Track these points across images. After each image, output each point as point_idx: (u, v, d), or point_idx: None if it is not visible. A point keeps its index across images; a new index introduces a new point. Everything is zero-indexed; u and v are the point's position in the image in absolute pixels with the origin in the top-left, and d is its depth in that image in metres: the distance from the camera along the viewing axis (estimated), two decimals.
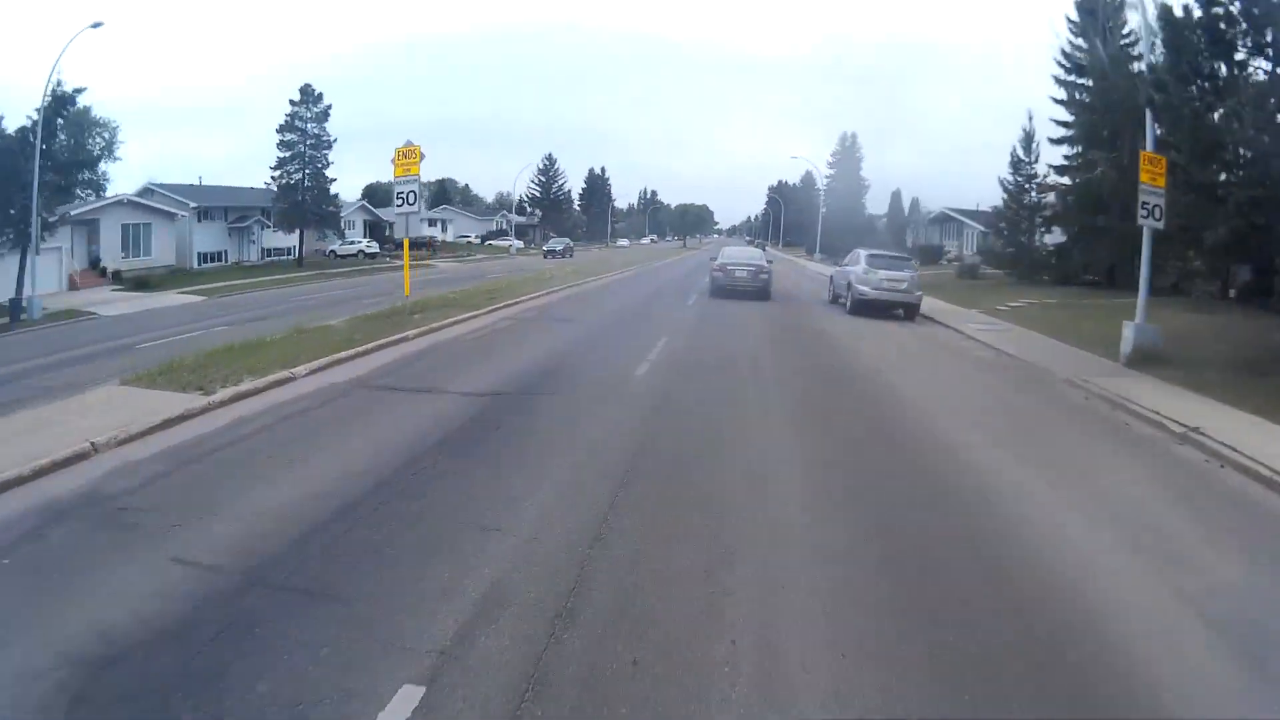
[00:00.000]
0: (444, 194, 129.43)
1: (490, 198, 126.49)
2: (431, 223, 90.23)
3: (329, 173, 58.86)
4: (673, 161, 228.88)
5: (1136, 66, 27.02)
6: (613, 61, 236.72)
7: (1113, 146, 26.04)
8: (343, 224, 73.62)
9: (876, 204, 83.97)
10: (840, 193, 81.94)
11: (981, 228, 49.73)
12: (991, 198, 53.39)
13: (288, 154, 57.24)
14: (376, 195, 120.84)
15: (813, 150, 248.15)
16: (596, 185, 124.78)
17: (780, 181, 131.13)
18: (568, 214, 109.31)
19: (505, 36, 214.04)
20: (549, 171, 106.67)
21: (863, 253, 21.32)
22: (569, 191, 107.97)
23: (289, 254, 61.47)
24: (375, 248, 66.08)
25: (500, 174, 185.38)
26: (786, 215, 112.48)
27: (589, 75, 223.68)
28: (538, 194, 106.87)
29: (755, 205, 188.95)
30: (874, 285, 19.74)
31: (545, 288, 24.05)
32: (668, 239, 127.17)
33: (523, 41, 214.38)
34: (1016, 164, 31.93)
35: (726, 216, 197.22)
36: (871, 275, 19.93)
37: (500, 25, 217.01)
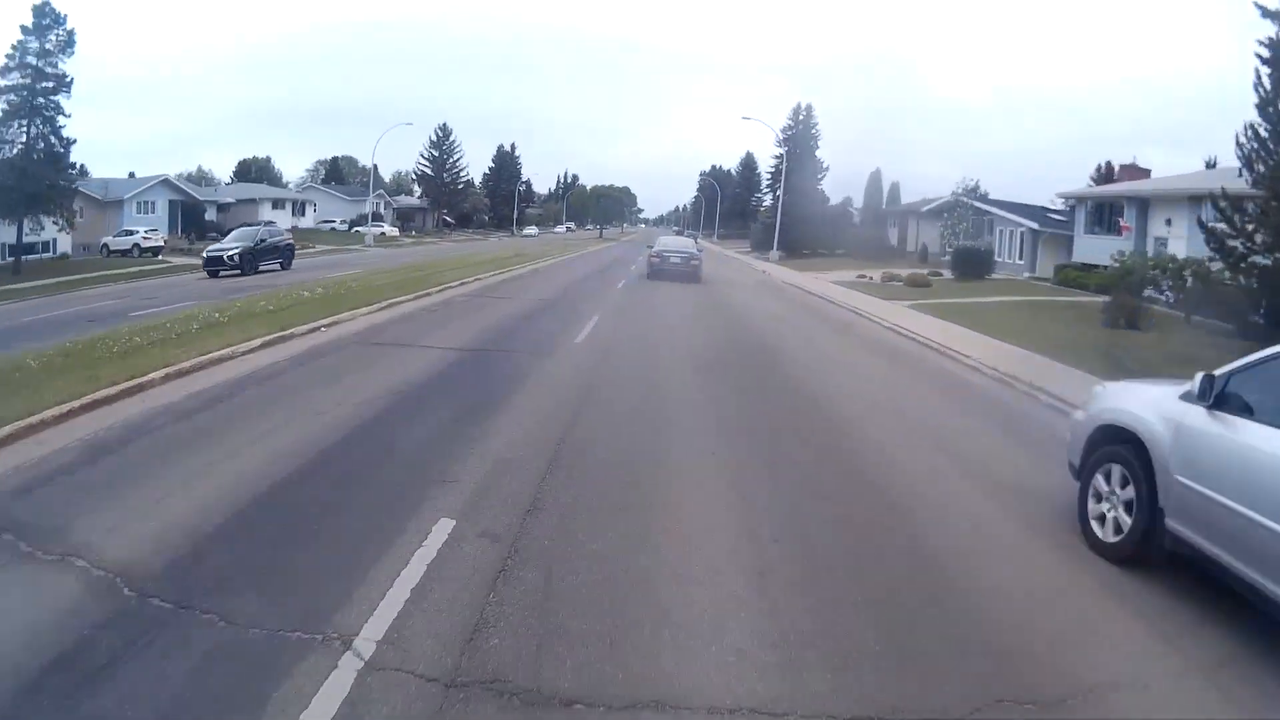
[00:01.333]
0: (337, 172, 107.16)
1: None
2: (278, 204, 68.88)
3: (68, 131, 38.08)
4: (598, 149, 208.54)
5: None
6: (541, 47, 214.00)
7: None
8: (135, 206, 52.34)
9: (834, 191, 66.91)
10: (794, 175, 64.77)
11: (1034, 224, 32.63)
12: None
13: (7, 106, 36.81)
14: (249, 173, 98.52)
15: (755, 142, 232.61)
16: (505, 164, 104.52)
17: (714, 166, 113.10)
18: (465, 196, 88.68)
19: (442, 19, 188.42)
20: (442, 145, 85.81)
21: None
22: (466, 169, 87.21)
23: (43, 250, 40.38)
24: (158, 239, 45.05)
25: (405, 150, 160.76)
26: (722, 204, 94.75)
27: (526, 61, 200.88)
28: (429, 172, 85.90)
29: (683, 195, 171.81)
30: None
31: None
32: (588, 228, 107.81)
33: (453, 26, 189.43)
34: (1267, 105, 14.36)
35: (653, 206, 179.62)
36: None
37: (439, 8, 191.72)
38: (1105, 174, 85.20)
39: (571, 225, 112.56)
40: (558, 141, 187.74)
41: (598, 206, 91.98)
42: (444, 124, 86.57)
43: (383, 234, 67.14)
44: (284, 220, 66.05)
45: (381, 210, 76.79)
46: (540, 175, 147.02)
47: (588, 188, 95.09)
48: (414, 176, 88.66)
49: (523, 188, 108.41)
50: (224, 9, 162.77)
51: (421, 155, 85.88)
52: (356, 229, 69.50)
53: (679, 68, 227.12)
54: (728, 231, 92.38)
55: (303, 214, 72.02)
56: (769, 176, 74.77)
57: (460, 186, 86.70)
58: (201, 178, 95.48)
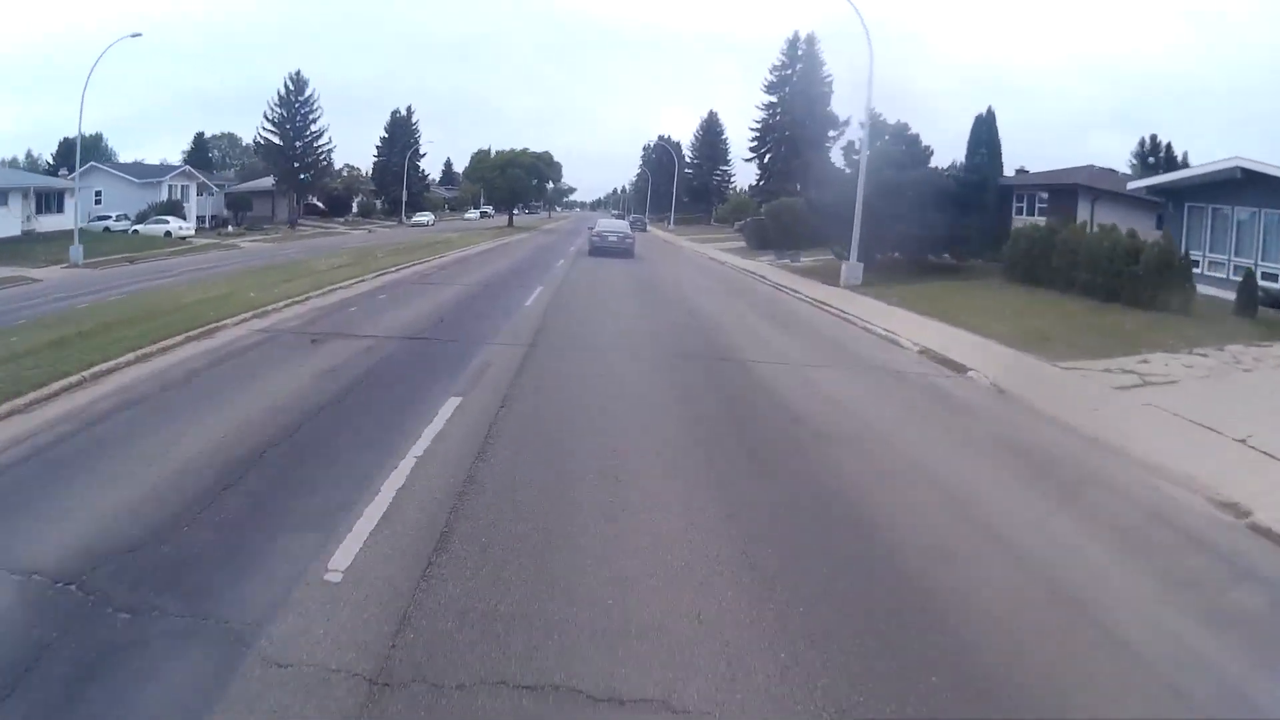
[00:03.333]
0: (203, 153, 79.01)
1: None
2: (5, 198, 42.17)
3: None
4: (534, 129, 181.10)
5: None
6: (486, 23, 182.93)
7: None
8: None
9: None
10: (803, 130, 41.91)
11: None
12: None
13: None
14: (72, 153, 70.71)
15: (720, 104, 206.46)
16: (400, 134, 78.82)
17: (661, 138, 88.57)
18: (326, 173, 62.26)
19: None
20: (293, 103, 59.36)
21: None
22: (326, 132, 60.25)
23: None
24: None
25: (346, 141, 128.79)
26: (679, 180, 71.00)
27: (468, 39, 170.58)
28: (275, 140, 59.25)
29: (622, 177, 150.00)
30: None
31: None
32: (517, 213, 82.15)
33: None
34: None
35: (589, 190, 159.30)
36: None
37: None
38: (1150, 153, 59.65)
39: (488, 209, 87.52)
40: (486, 120, 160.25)
41: (503, 179, 62.84)
42: (297, 72, 60.44)
43: (167, 234, 41.85)
44: (6, 221, 39.93)
45: (189, 196, 50.89)
46: (463, 154, 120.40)
47: (491, 153, 65.58)
48: (255, 147, 62.18)
49: (441, 165, 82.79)
50: None
51: (265, 118, 59.53)
52: (136, 228, 43.88)
53: (624, 44, 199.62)
54: (686, 215, 69.02)
55: (58, 208, 45.67)
56: (754, 137, 51.11)
57: (322, 160, 60.48)
58: (31, 164, 68.98)
